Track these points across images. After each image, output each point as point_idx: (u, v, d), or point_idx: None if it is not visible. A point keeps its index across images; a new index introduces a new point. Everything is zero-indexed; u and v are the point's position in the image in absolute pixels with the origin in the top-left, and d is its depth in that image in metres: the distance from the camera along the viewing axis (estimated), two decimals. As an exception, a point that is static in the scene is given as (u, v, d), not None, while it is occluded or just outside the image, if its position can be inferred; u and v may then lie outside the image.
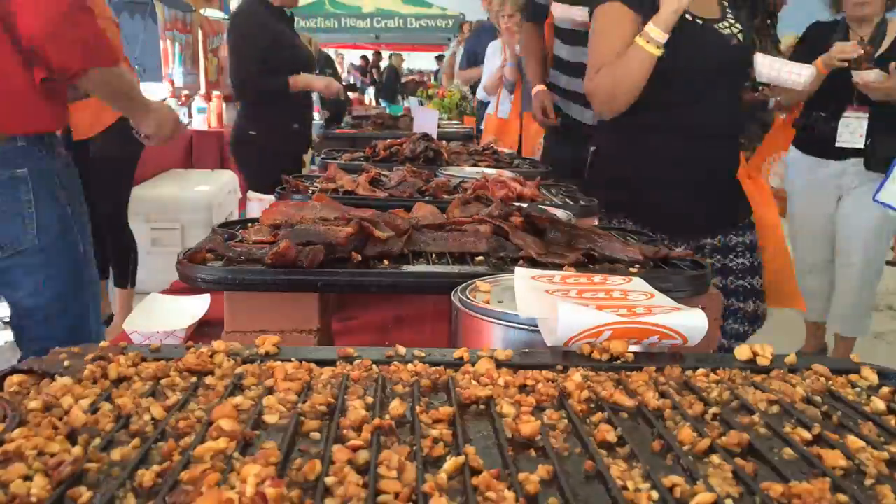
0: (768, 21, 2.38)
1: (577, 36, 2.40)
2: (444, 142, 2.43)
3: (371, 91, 12.84)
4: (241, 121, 3.35)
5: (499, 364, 0.66)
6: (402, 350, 0.68)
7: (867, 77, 2.63)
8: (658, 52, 1.64)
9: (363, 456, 0.47)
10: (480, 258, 1.07)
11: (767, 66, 1.90)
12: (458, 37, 7.59)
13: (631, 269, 1.03)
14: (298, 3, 3.46)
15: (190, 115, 5.52)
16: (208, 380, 0.61)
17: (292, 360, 0.65)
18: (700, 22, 1.72)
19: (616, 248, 1.09)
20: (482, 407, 0.58)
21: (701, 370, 0.67)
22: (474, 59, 4.90)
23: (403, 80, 12.84)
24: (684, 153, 1.78)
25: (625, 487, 0.45)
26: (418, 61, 16.65)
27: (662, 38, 1.63)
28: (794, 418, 0.57)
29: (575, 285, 0.83)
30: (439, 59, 10.66)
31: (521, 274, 0.86)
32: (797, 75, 1.89)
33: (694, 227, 1.88)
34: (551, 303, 0.72)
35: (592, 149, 1.95)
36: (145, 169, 4.49)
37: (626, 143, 1.83)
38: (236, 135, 3.38)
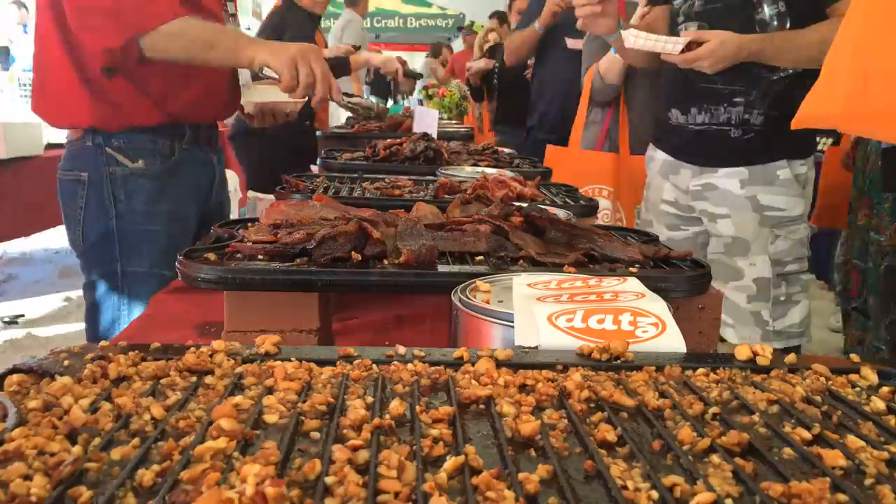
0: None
1: None
2: (444, 142, 2.43)
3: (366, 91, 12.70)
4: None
5: (499, 364, 0.66)
6: (402, 350, 0.68)
7: None
8: None
9: (363, 455, 0.47)
10: (480, 258, 1.07)
11: None
12: (458, 36, 7.43)
13: (631, 269, 1.03)
14: (327, 7, 3.41)
15: (190, 115, 5.50)
16: (208, 379, 0.61)
17: (292, 359, 0.65)
18: None
19: (616, 248, 1.09)
20: (482, 407, 0.58)
21: (701, 370, 0.67)
22: None
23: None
24: None
25: (625, 487, 0.45)
26: (419, 61, 16.62)
27: None
28: (794, 418, 0.57)
29: (569, 290, 0.83)
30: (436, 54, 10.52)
31: (518, 282, 0.86)
32: None
33: None
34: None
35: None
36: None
37: None
38: (243, 127, 3.18)
